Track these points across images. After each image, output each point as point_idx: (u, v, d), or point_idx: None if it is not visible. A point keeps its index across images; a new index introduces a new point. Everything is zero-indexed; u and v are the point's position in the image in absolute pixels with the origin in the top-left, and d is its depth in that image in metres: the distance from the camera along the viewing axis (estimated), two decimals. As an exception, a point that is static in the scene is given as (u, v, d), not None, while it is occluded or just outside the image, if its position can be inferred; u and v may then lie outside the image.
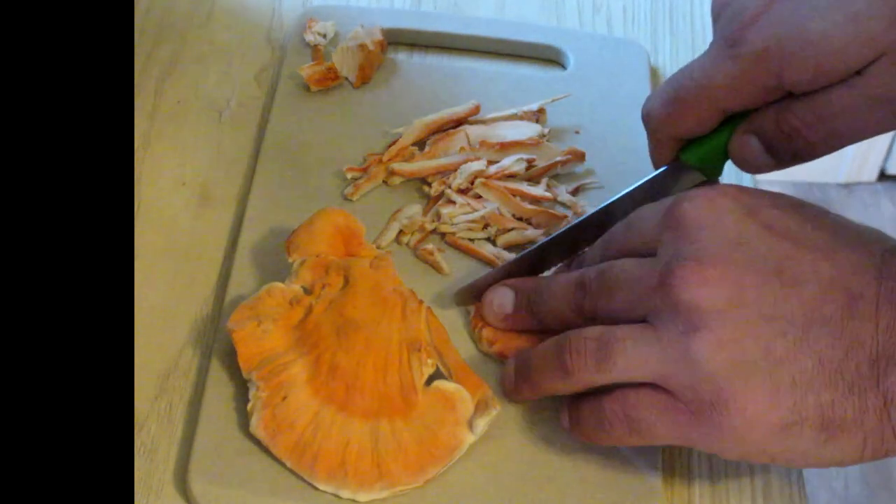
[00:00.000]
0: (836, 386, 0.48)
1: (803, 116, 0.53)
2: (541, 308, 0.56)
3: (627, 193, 0.59)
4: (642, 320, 0.51)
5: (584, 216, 0.61)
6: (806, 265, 0.49)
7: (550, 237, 0.61)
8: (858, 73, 0.51)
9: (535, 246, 0.61)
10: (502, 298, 0.58)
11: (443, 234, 0.64)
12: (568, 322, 0.55)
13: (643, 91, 0.73)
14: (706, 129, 0.56)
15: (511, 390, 0.56)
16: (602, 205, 0.60)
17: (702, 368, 0.49)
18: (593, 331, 0.52)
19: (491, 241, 0.64)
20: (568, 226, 0.61)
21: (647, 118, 0.58)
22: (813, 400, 0.48)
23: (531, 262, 0.60)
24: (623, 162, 0.68)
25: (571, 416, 0.54)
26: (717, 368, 0.48)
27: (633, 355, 0.50)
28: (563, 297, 0.55)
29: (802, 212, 0.51)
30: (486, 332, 0.59)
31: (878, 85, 0.51)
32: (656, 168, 0.59)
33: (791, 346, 0.48)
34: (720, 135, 0.56)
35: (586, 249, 0.59)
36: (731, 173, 0.68)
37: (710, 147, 0.57)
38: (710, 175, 0.58)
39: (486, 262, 0.63)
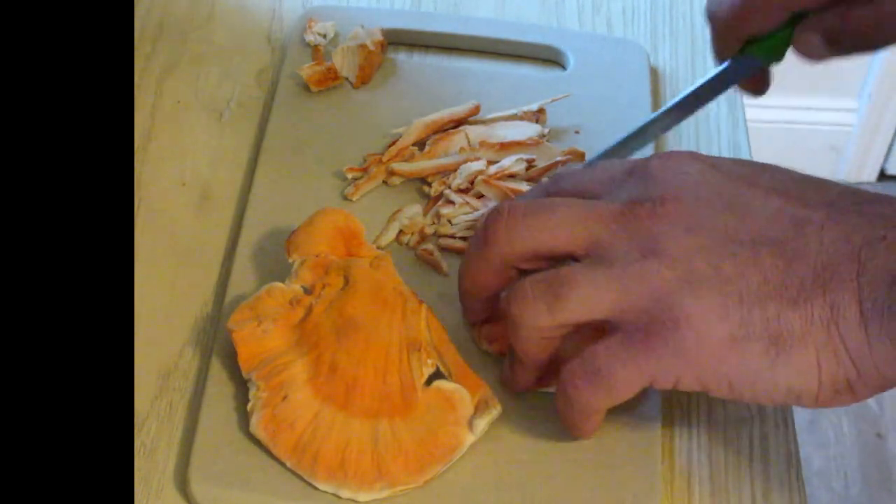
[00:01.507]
0: (781, 299, 0.49)
1: (866, 17, 0.56)
2: (469, 273, 0.56)
3: (696, 89, 0.63)
4: (581, 252, 0.52)
5: (658, 112, 0.64)
6: (758, 199, 0.51)
7: (626, 135, 0.64)
8: None
9: (615, 143, 0.64)
10: None
11: (439, 238, 0.64)
12: (483, 268, 0.55)
13: (643, 91, 0.73)
14: (773, 28, 0.59)
15: (510, 381, 0.56)
16: (671, 102, 0.63)
17: (653, 287, 0.50)
18: (540, 275, 0.52)
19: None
20: (645, 120, 0.64)
21: (713, 18, 0.61)
22: (759, 314, 0.49)
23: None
24: (623, 162, 0.68)
25: (555, 404, 0.54)
26: (669, 286, 0.50)
27: (584, 290, 0.51)
28: (476, 235, 0.56)
29: (764, 166, 0.54)
30: (486, 331, 0.59)
31: None
32: (719, 62, 0.62)
33: (739, 265, 0.50)
34: (784, 28, 0.59)
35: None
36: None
37: (774, 40, 0.60)
38: (774, 62, 0.61)
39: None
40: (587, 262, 0.52)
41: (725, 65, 0.62)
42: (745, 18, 0.60)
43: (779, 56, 0.61)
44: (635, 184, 0.53)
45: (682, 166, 0.53)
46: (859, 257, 0.48)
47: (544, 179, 0.65)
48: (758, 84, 0.64)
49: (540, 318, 0.52)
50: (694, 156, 0.54)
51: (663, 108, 0.64)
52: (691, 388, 0.50)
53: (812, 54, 0.60)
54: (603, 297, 0.51)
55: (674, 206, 0.51)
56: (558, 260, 0.54)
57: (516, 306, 0.52)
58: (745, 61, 0.61)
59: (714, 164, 0.53)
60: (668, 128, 0.64)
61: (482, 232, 0.55)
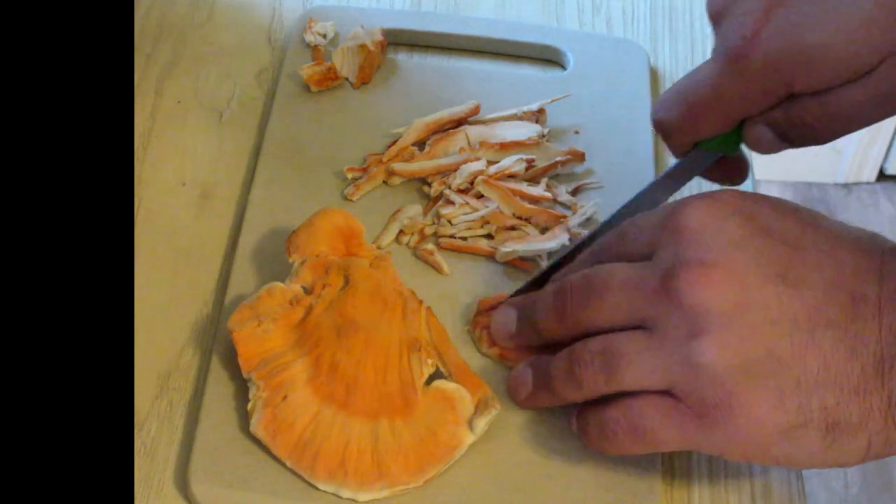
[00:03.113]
0: (841, 388, 0.48)
1: (814, 112, 0.54)
2: (535, 322, 0.56)
3: (653, 185, 0.61)
4: (635, 325, 0.51)
5: (608, 217, 0.61)
6: (808, 268, 0.49)
7: (577, 243, 0.61)
8: (867, 72, 0.52)
9: (569, 248, 0.61)
10: (506, 317, 0.58)
11: (439, 238, 0.64)
12: (558, 334, 0.54)
13: (643, 91, 0.73)
14: (722, 132, 0.57)
15: (527, 398, 0.56)
16: (624, 203, 0.60)
17: (707, 371, 0.49)
18: (596, 343, 0.52)
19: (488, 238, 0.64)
20: (592, 231, 0.61)
21: (660, 126, 0.59)
22: (818, 402, 0.48)
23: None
24: (623, 162, 0.68)
25: (578, 424, 0.54)
26: (723, 371, 0.48)
27: (638, 368, 0.50)
28: (547, 307, 0.55)
29: (801, 216, 0.52)
30: (486, 334, 0.59)
31: (886, 82, 0.52)
32: (676, 157, 0.61)
33: (796, 348, 0.48)
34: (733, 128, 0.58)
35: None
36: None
37: (725, 136, 0.58)
38: (730, 153, 0.59)
39: (485, 255, 0.63)
40: (640, 336, 0.51)
41: (682, 161, 0.60)
42: (694, 126, 0.58)
43: (732, 149, 0.59)
44: (671, 242, 0.51)
45: (719, 222, 0.51)
46: None
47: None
48: (733, 174, 0.61)
49: (598, 388, 0.52)
50: (728, 204, 0.51)
51: (627, 202, 0.61)
52: (736, 461, 0.51)
53: (763, 148, 0.57)
54: (654, 377, 0.50)
55: (718, 273, 0.49)
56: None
57: (578, 370, 0.52)
58: (701, 155, 0.59)
59: (751, 215, 0.51)
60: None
61: (537, 317, 0.54)
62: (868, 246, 0.50)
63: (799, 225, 0.51)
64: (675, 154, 0.60)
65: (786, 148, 0.57)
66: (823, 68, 0.52)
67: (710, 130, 0.57)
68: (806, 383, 0.48)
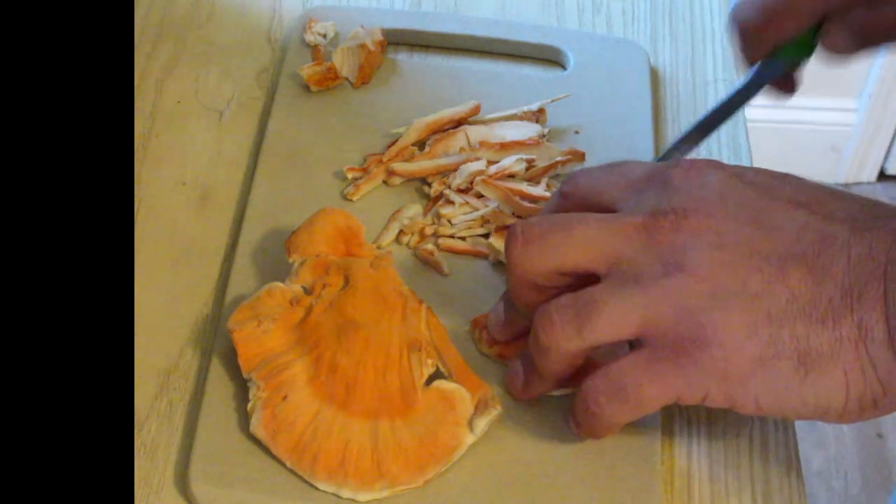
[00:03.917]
0: (810, 318, 0.49)
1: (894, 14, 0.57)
2: (512, 294, 0.56)
3: (725, 101, 0.64)
4: (593, 275, 0.51)
5: (688, 129, 0.64)
6: (782, 213, 0.51)
7: (675, 142, 0.64)
8: None
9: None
10: (498, 308, 0.58)
11: (439, 238, 0.64)
12: (528, 280, 0.54)
13: (643, 91, 0.73)
14: (802, 32, 0.60)
15: (522, 389, 0.56)
16: (697, 120, 0.64)
17: (681, 304, 0.49)
18: (565, 298, 0.52)
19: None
20: (687, 130, 0.64)
21: (742, 27, 0.61)
22: (788, 333, 0.49)
23: None
24: (623, 162, 0.68)
25: (571, 418, 0.54)
26: (696, 302, 0.49)
27: (611, 311, 0.50)
28: (516, 249, 0.54)
29: (785, 176, 0.53)
30: (486, 334, 0.59)
31: None
32: (748, 67, 0.63)
33: (766, 281, 0.49)
34: (811, 28, 0.60)
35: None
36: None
37: (801, 41, 0.60)
38: (803, 60, 0.62)
39: (485, 255, 0.63)
40: (611, 281, 0.51)
41: (755, 70, 0.63)
42: (773, 26, 0.60)
43: (808, 54, 0.61)
44: (655, 192, 0.53)
45: (705, 176, 0.52)
46: (885, 276, 0.48)
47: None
48: (787, 85, 0.64)
49: (570, 344, 0.52)
50: (715, 164, 0.53)
51: (699, 119, 0.64)
52: (718, 404, 0.50)
53: (840, 50, 0.60)
54: (630, 317, 0.50)
55: (697, 219, 0.51)
56: (582, 277, 0.53)
57: (545, 334, 0.52)
58: (772, 64, 0.62)
59: (736, 173, 0.53)
60: (701, 139, 0.64)
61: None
62: (846, 197, 0.51)
63: (780, 180, 0.53)
64: (749, 61, 0.62)
65: (860, 51, 0.60)
66: None
67: (789, 30, 0.60)
68: (776, 315, 0.49)
